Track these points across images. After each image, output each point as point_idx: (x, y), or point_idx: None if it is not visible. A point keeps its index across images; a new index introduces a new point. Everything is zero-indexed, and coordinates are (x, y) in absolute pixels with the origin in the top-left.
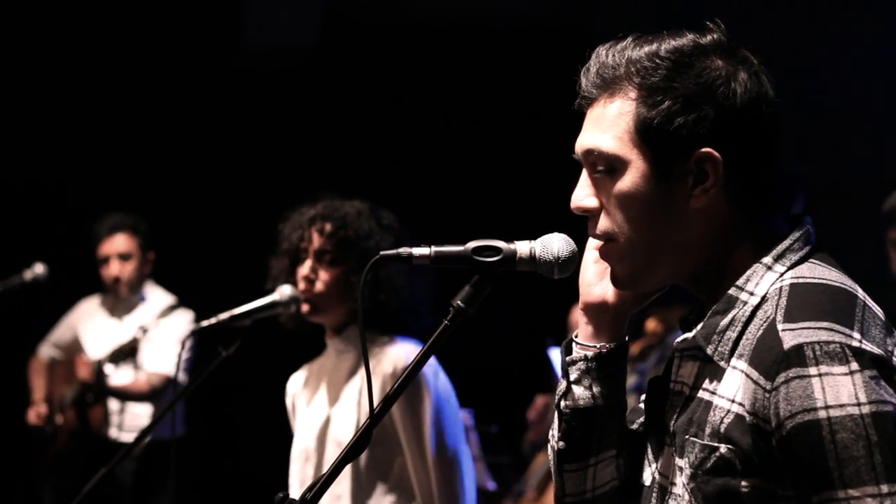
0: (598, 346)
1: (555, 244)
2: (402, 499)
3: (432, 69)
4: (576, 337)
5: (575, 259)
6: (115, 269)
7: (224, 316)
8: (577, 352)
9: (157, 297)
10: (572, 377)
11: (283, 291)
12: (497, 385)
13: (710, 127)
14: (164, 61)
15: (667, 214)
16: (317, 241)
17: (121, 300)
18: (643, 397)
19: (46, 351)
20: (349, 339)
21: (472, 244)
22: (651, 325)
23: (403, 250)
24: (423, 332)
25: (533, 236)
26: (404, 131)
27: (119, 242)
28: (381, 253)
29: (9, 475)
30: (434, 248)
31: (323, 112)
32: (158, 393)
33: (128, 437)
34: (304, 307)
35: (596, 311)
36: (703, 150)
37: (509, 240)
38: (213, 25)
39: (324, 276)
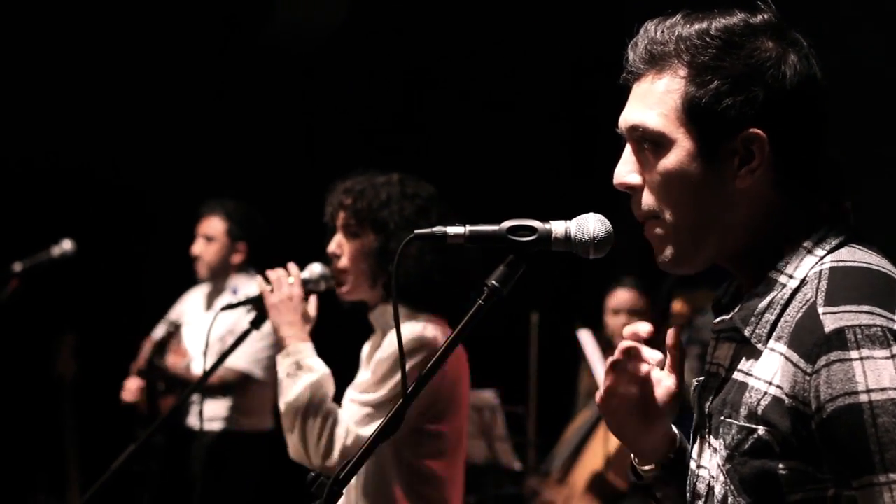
0: (655, 465)
1: (590, 224)
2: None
3: (462, 45)
4: (635, 460)
5: (611, 239)
6: (196, 248)
7: (253, 294)
8: (643, 473)
9: (252, 290)
10: (657, 494)
11: (313, 269)
12: (525, 365)
13: (758, 108)
14: (194, 40)
15: (711, 194)
16: (340, 215)
17: (215, 290)
18: None
19: (159, 331)
20: (374, 319)
21: (507, 223)
22: (677, 306)
23: (438, 229)
24: (453, 310)
25: (568, 216)
26: (435, 109)
27: (207, 224)
28: (416, 232)
29: (36, 456)
30: (469, 228)
31: (352, 90)
32: (229, 387)
33: (206, 426)
34: (338, 288)
35: (633, 447)
36: (751, 130)
37: (544, 219)
38: (243, 3)
39: (346, 250)
